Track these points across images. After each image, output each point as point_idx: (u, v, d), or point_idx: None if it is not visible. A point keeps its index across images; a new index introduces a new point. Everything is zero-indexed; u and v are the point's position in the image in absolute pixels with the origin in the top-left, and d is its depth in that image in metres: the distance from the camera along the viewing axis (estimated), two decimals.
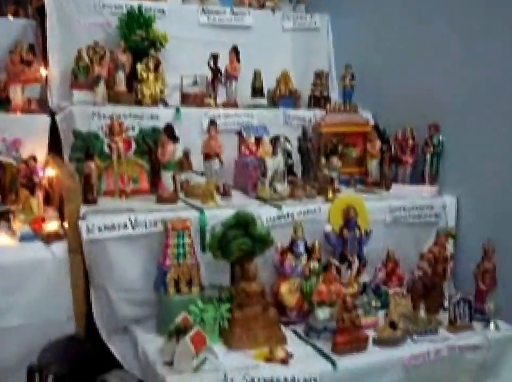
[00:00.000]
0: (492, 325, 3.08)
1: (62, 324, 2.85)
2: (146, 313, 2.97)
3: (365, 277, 3.27)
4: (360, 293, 3.08)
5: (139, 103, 3.72)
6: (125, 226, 2.86)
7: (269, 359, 2.61)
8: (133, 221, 2.87)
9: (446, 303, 3.14)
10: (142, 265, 2.94)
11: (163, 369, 2.53)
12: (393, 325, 2.82)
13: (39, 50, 3.74)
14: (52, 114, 3.54)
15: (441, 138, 3.69)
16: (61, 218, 3.02)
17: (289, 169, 3.66)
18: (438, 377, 2.88)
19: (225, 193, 3.32)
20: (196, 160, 3.53)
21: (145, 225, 2.89)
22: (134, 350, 2.85)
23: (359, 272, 3.19)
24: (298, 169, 3.81)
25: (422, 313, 2.97)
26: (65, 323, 2.86)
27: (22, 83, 3.44)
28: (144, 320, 2.96)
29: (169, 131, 3.12)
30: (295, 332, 2.92)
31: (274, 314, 2.82)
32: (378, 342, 2.80)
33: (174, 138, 3.13)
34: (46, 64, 3.75)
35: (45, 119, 3.48)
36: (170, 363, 2.53)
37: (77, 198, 2.93)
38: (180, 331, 2.55)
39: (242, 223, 2.85)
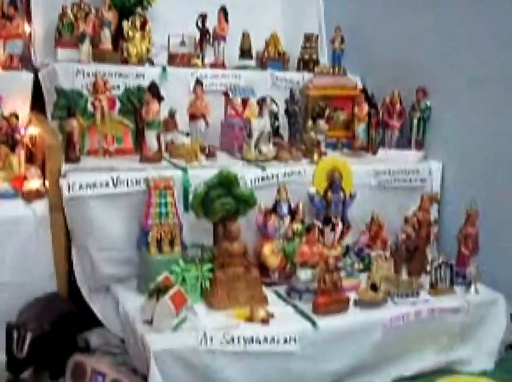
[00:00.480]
0: (472, 289, 3.09)
1: (43, 282, 2.84)
2: (128, 272, 2.96)
3: (348, 240, 3.26)
4: (343, 255, 3.08)
5: (125, 62, 3.66)
6: (107, 184, 2.84)
7: (250, 319, 2.61)
8: (115, 179, 2.85)
9: (429, 267, 3.14)
10: (124, 224, 2.93)
11: (142, 327, 2.53)
12: (374, 287, 2.83)
13: (22, 5, 3.66)
14: (36, 72, 3.47)
15: (428, 103, 3.66)
16: (44, 176, 2.99)
17: (275, 131, 3.63)
18: (418, 338, 2.90)
19: (210, 154, 3.30)
20: (182, 120, 3.48)
21: (127, 184, 2.87)
22: (115, 309, 2.85)
23: (342, 235, 3.18)
24: (285, 132, 3.78)
25: (404, 276, 2.99)
26: (46, 282, 2.85)
27: (3, 38, 3.36)
28: (125, 279, 2.96)
29: (154, 90, 3.08)
30: (277, 293, 2.93)
31: (256, 275, 2.81)
32: (360, 304, 2.81)
33: (159, 97, 3.09)
34: (29, 21, 3.67)
35: (28, 76, 3.40)
36: (149, 322, 2.53)
37: (59, 156, 2.90)
38: (160, 291, 2.55)
39: (225, 182, 2.83)
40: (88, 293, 2.95)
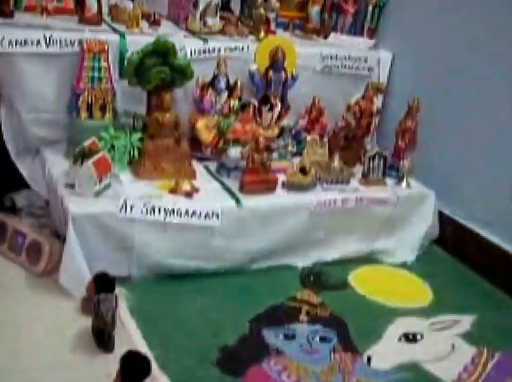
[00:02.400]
0: (404, 183, 3.11)
1: None
2: (58, 136, 2.88)
3: (286, 123, 3.20)
4: (278, 137, 3.04)
5: None
6: (39, 43, 2.70)
7: (174, 191, 2.59)
8: (48, 38, 2.71)
9: (364, 158, 3.13)
10: (56, 86, 2.82)
11: (64, 190, 2.50)
12: (303, 170, 2.81)
13: None
14: None
15: None
16: None
17: (225, 4, 3.48)
18: (343, 226, 2.93)
19: (154, 22, 3.15)
20: None
21: (61, 44, 2.74)
22: (42, 171, 2.80)
23: (280, 116, 3.12)
24: (236, 7, 3.63)
25: (336, 163, 2.97)
26: None
27: None
28: (54, 143, 2.89)
29: None
30: (207, 168, 2.91)
31: (185, 148, 2.77)
32: (287, 186, 2.81)
33: None
34: None
35: None
36: (72, 186, 2.49)
37: None
38: (85, 155, 2.49)
39: (161, 51, 2.72)
40: (16, 154, 2.87)
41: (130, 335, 2.22)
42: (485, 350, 2.47)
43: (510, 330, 2.64)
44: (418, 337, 2.49)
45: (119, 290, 2.33)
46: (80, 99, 2.73)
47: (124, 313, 2.33)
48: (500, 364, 2.41)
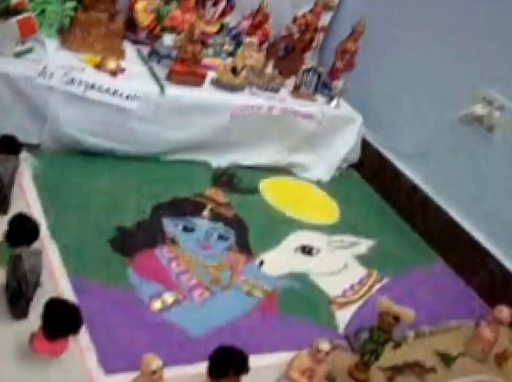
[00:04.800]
0: (334, 102, 3.11)
1: None
2: None
3: (230, 21, 3.13)
4: (217, 33, 2.97)
5: None
6: None
7: (99, 66, 2.52)
8: None
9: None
10: None
11: None
12: (234, 71, 2.77)
13: None
14: None
15: None
16: None
17: None
18: (264, 133, 2.94)
19: None
20: None
21: None
22: None
23: (224, 13, 3.04)
24: None
25: (270, 70, 2.94)
26: None
27: None
28: None
29: None
30: (139, 52, 2.83)
31: (119, 26, 2.67)
32: (216, 83, 2.77)
33: None
34: None
35: None
36: None
37: None
38: (10, 12, 2.38)
39: None
40: None
41: (28, 202, 2.19)
42: (375, 273, 2.56)
43: (401, 260, 2.74)
44: (315, 251, 2.56)
45: (26, 156, 2.30)
46: None
47: (26, 180, 2.29)
48: (385, 287, 2.51)
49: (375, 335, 1.91)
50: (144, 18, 2.85)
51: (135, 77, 2.60)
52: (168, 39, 2.73)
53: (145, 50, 2.86)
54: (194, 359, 1.79)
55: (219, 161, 2.88)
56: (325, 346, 1.73)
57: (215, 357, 1.60)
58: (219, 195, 2.65)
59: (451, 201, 2.91)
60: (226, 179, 2.80)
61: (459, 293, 2.69)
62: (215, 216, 2.52)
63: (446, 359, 2.22)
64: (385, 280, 2.55)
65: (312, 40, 3.24)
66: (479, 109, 2.76)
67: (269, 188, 2.88)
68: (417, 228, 3.01)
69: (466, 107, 2.80)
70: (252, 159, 2.96)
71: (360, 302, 2.36)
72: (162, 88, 2.58)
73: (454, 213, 2.89)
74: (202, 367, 1.62)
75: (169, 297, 2.02)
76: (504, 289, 2.62)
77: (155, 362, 1.49)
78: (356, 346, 2.04)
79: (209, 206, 2.55)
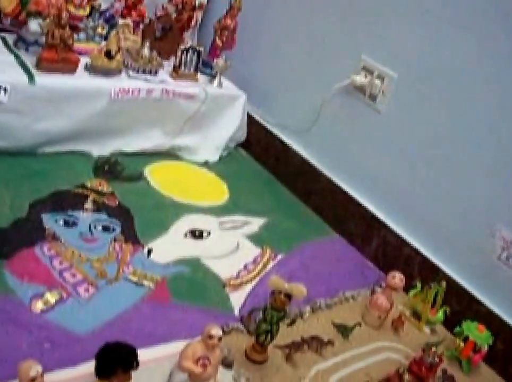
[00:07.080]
0: (216, 81, 3.06)
1: None
2: None
3: (102, 4, 3.00)
4: (88, 16, 2.84)
5: None
6: None
7: None
8: None
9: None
10: None
11: None
12: (108, 55, 2.66)
13: None
14: None
15: None
16: None
17: None
18: (146, 117, 2.85)
19: None
20: None
21: None
22: None
23: None
24: None
25: (146, 51, 2.84)
26: None
27: None
28: None
29: None
30: (4, 40, 2.67)
31: None
32: (90, 69, 2.65)
33: None
34: None
35: None
36: None
37: None
38: None
39: None
40: None
41: None
42: (268, 250, 2.54)
43: (294, 235, 2.73)
44: (205, 234, 2.51)
45: None
46: None
47: None
48: (280, 264, 2.50)
49: (268, 315, 1.88)
50: (7, 4, 2.67)
51: (1, 66, 2.44)
52: (34, 25, 2.57)
53: (11, 37, 2.69)
54: (82, 359, 1.70)
55: (101, 149, 2.76)
56: (216, 331, 1.68)
57: (101, 356, 1.52)
58: (102, 185, 2.55)
59: (339, 172, 2.93)
60: (109, 167, 2.69)
61: (354, 263, 2.71)
62: (99, 207, 2.41)
63: (344, 330, 2.23)
64: (279, 257, 2.53)
65: (190, 18, 3.16)
66: (360, 78, 2.78)
67: (155, 174, 2.80)
68: (309, 203, 3.01)
69: (349, 77, 2.81)
70: (135, 146, 2.86)
71: (254, 282, 2.33)
72: (31, 78, 2.44)
73: (344, 184, 2.90)
74: (91, 366, 1.54)
75: (51, 297, 1.92)
76: (396, 256, 2.66)
77: (33, 368, 1.39)
78: (251, 327, 2.01)
79: (91, 197, 2.44)
